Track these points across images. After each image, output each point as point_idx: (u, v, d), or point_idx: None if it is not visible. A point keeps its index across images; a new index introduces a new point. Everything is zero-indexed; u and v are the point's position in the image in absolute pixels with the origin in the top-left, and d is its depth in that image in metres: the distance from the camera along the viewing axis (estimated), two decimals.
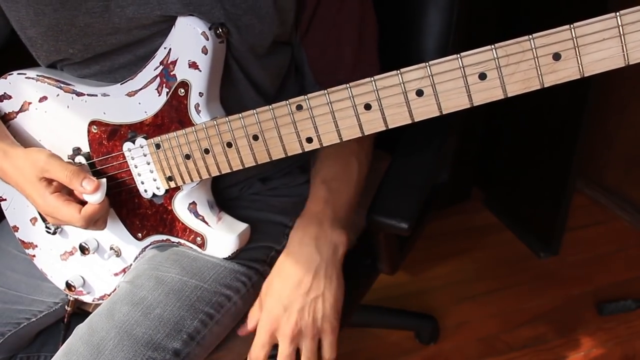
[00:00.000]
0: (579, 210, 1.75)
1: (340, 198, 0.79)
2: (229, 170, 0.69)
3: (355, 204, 0.81)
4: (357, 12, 0.77)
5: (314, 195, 0.79)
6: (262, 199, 0.85)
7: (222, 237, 0.75)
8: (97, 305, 0.83)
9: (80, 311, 0.93)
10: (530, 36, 0.50)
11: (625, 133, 1.69)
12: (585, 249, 1.66)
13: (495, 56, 0.52)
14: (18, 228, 0.87)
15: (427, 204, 1.07)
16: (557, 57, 0.50)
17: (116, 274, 0.82)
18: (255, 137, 0.65)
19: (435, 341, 1.42)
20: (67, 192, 0.73)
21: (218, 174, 0.70)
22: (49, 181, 0.71)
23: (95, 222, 0.72)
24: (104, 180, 0.72)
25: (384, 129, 0.60)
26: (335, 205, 0.78)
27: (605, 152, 1.77)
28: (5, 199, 0.87)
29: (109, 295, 0.84)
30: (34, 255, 0.88)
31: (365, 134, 0.61)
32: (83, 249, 0.81)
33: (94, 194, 0.70)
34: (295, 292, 0.73)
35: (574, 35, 0.49)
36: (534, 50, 0.51)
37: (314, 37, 0.77)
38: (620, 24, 0.47)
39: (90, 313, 0.75)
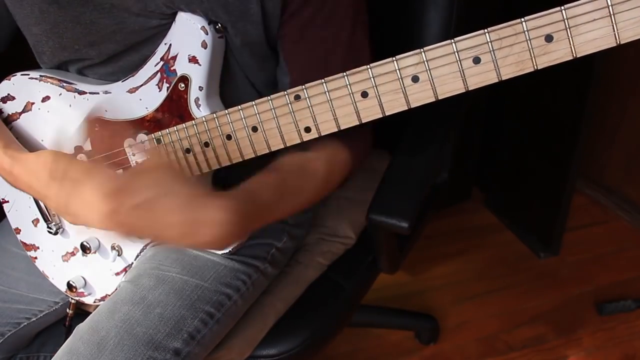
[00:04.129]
0: (579, 210, 1.74)
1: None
2: (228, 163, 0.70)
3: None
4: (348, 26, 0.70)
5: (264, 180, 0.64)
6: None
7: None
8: (98, 305, 0.83)
9: (80, 312, 0.93)
10: (522, 19, 0.51)
11: (626, 133, 1.69)
12: (585, 249, 1.65)
13: (489, 40, 0.53)
14: (20, 230, 0.87)
15: (427, 203, 1.07)
16: (549, 38, 0.51)
17: (117, 274, 0.82)
18: (255, 129, 0.66)
19: (435, 341, 1.42)
20: None
21: (218, 167, 0.70)
22: None
23: None
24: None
25: (381, 116, 0.60)
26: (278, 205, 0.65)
27: (605, 151, 1.77)
28: (7, 201, 0.87)
29: (110, 296, 0.84)
30: (35, 258, 0.87)
31: (363, 121, 0.61)
32: (84, 249, 0.81)
33: None
34: None
35: (565, 17, 0.49)
36: (526, 32, 0.51)
37: (296, 59, 0.71)
38: (610, 4, 0.48)
39: (91, 313, 0.75)
